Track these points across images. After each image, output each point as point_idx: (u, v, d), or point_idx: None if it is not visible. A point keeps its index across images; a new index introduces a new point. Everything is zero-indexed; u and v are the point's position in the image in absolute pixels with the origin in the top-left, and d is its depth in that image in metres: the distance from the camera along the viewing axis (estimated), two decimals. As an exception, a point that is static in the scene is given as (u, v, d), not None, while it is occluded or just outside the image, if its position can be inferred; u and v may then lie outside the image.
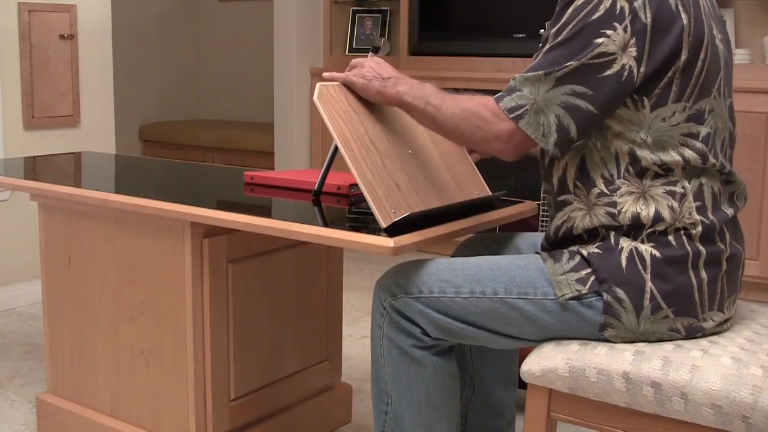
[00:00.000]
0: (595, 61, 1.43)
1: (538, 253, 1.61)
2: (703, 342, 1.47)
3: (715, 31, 1.53)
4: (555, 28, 1.49)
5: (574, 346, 1.49)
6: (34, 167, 2.50)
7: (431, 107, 1.60)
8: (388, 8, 4.73)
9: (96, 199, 1.98)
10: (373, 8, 4.77)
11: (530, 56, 4.21)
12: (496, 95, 1.51)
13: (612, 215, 1.49)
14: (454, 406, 1.66)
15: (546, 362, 1.49)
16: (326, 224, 1.70)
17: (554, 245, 1.62)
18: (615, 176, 1.49)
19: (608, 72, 1.43)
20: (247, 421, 2.06)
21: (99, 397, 2.16)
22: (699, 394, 1.35)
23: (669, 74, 1.45)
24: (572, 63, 1.44)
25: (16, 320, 3.27)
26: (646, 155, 1.47)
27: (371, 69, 1.72)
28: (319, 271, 2.21)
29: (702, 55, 1.47)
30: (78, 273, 2.16)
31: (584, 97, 1.44)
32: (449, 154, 1.88)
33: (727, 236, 1.50)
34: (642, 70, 1.44)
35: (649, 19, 1.43)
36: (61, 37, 3.44)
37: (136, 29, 5.88)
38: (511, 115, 1.47)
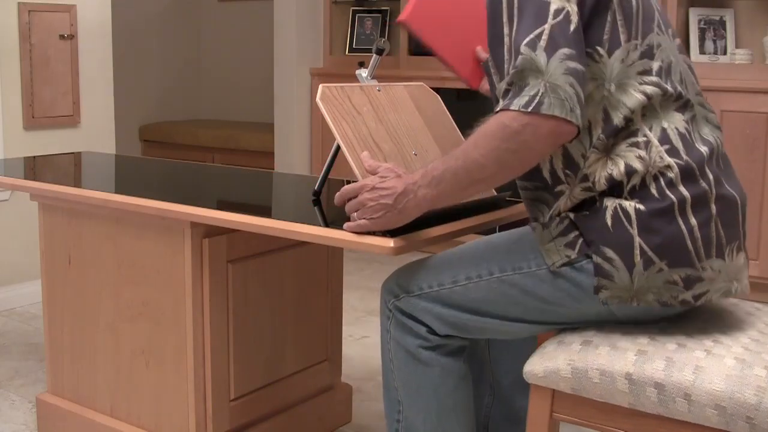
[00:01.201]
0: (558, 18, 1.38)
1: (530, 224, 1.57)
2: (707, 342, 1.46)
3: None
4: (505, 12, 1.44)
5: (576, 346, 1.49)
6: (34, 167, 2.50)
7: (462, 171, 1.44)
8: (388, 8, 4.72)
9: (96, 199, 1.98)
10: (373, 8, 4.77)
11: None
12: (501, 105, 1.41)
13: (588, 188, 1.46)
14: (467, 410, 1.64)
15: (548, 363, 1.48)
16: (326, 224, 1.70)
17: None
18: (588, 148, 1.45)
19: (572, 26, 1.39)
20: (247, 421, 2.06)
21: (99, 397, 2.16)
22: (702, 394, 1.34)
23: (609, 15, 1.43)
24: (544, 27, 1.38)
25: (16, 320, 3.27)
26: (614, 109, 1.43)
27: (372, 200, 1.51)
28: (319, 271, 2.20)
29: None
30: (78, 273, 2.15)
31: (574, 58, 1.38)
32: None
33: (710, 176, 1.45)
34: (584, 12, 1.41)
35: None
36: (61, 37, 3.44)
37: (136, 29, 5.87)
38: (529, 109, 1.35)
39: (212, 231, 1.90)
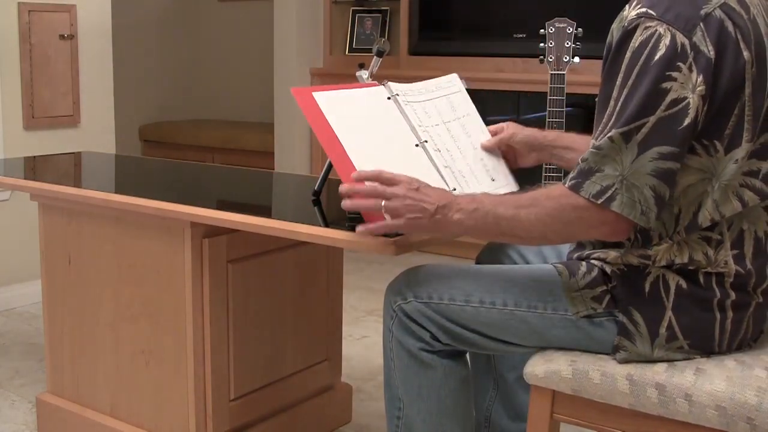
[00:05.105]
0: (671, 111, 1.30)
1: (554, 265, 1.56)
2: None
3: None
4: (619, 80, 1.34)
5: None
6: (34, 167, 2.50)
7: (505, 222, 1.39)
8: (388, 8, 4.72)
9: (96, 199, 1.98)
10: (373, 8, 4.77)
11: (530, 56, 4.17)
12: (571, 182, 1.35)
13: (644, 262, 1.43)
14: (467, 411, 1.64)
15: (549, 364, 1.48)
16: (326, 224, 1.69)
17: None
18: (668, 234, 1.40)
19: (687, 121, 1.30)
20: (247, 421, 2.06)
21: (99, 397, 2.16)
22: (703, 395, 1.34)
23: (737, 109, 1.34)
24: (649, 119, 1.30)
25: (16, 320, 3.27)
26: (707, 209, 1.37)
27: (414, 200, 1.43)
28: (319, 271, 2.20)
29: (767, 86, 1.37)
30: (78, 273, 2.15)
31: (672, 157, 1.30)
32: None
33: (765, 284, 1.44)
34: (705, 108, 1.32)
35: (712, 52, 1.31)
36: (61, 37, 3.44)
37: (136, 29, 5.87)
38: (599, 201, 1.32)
39: (212, 231, 1.89)
